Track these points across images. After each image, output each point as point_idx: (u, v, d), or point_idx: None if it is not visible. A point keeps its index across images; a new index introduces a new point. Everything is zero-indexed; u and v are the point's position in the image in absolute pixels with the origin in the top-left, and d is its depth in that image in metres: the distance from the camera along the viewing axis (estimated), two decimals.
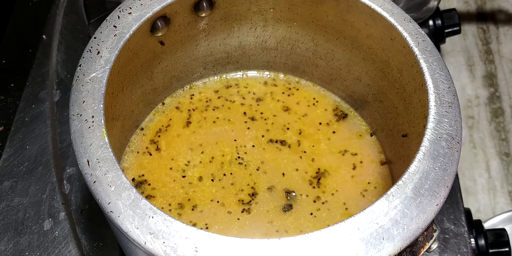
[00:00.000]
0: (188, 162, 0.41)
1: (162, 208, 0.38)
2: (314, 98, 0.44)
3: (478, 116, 0.68)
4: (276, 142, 0.42)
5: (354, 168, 0.40)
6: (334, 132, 0.42)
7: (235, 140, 0.42)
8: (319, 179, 0.40)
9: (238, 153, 0.41)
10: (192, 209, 0.38)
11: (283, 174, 0.40)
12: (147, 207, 0.27)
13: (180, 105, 0.43)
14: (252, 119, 0.43)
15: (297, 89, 0.44)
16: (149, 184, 0.39)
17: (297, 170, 0.40)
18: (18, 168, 0.45)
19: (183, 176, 0.40)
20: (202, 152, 0.41)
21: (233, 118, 0.43)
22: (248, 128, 0.42)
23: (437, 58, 0.33)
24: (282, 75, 0.45)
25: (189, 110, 0.43)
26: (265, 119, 0.43)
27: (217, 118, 0.43)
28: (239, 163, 0.41)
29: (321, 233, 0.27)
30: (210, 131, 0.42)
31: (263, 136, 0.42)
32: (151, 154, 0.41)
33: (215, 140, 0.42)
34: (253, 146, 0.41)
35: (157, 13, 0.35)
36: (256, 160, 0.41)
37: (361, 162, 0.41)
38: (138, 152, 0.41)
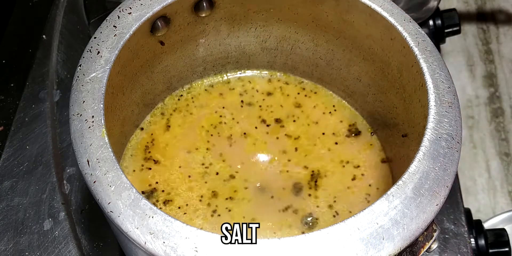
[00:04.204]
0: (203, 164, 0.41)
1: (184, 206, 0.39)
2: (333, 106, 0.44)
3: (478, 116, 0.68)
4: (277, 121, 0.42)
5: (353, 179, 0.40)
6: (336, 143, 0.42)
7: (224, 123, 0.42)
8: (315, 181, 0.40)
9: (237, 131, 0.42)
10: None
11: (284, 151, 0.41)
12: (147, 207, 0.27)
13: (165, 111, 0.43)
14: (249, 105, 0.43)
15: (315, 93, 0.44)
16: (163, 190, 0.39)
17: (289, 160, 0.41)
18: (18, 168, 0.45)
19: (217, 173, 0.40)
20: (208, 149, 0.41)
21: (219, 110, 0.43)
22: (242, 106, 0.43)
23: (437, 58, 0.33)
24: (282, 75, 0.45)
25: (170, 114, 0.43)
26: (267, 107, 0.43)
27: (191, 113, 0.43)
28: (244, 133, 0.42)
29: (321, 233, 0.27)
30: (195, 129, 0.42)
31: (260, 116, 0.43)
32: (150, 169, 0.40)
33: (204, 132, 0.42)
34: (245, 133, 0.42)
35: (157, 13, 0.35)
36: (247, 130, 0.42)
37: (362, 174, 0.40)
38: (134, 171, 0.40)
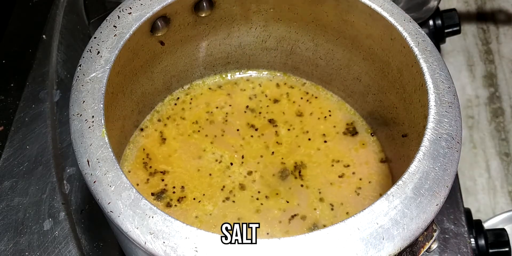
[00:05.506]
0: (219, 161, 0.41)
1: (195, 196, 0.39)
2: (329, 111, 0.43)
3: (478, 116, 0.68)
4: (270, 122, 0.43)
5: (341, 176, 0.40)
6: (325, 141, 0.42)
7: (211, 113, 0.43)
8: (300, 172, 0.40)
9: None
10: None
11: (271, 152, 0.41)
12: (147, 207, 0.27)
13: (161, 117, 0.43)
14: (252, 110, 0.43)
15: (316, 97, 0.44)
16: (174, 192, 0.39)
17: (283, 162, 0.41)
18: (18, 168, 0.45)
19: (232, 163, 0.40)
20: (212, 142, 0.41)
21: (217, 106, 0.43)
22: (246, 111, 0.43)
23: (437, 58, 0.33)
24: (281, 75, 0.45)
25: (165, 124, 0.42)
26: (267, 113, 0.43)
27: (182, 118, 0.43)
28: (251, 135, 0.42)
29: (321, 233, 0.27)
30: (193, 134, 0.42)
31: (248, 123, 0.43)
32: (163, 180, 0.40)
33: (206, 132, 0.42)
34: (238, 130, 0.42)
35: (157, 13, 0.35)
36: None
37: (353, 173, 0.41)
38: (138, 185, 0.40)
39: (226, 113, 0.43)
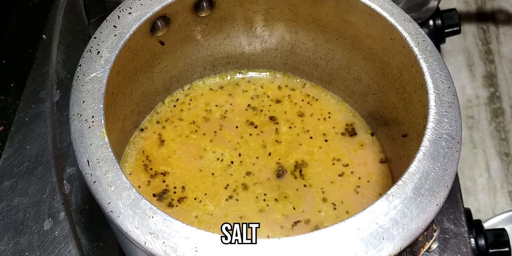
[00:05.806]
0: (220, 159, 0.41)
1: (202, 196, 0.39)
2: (329, 112, 0.43)
3: (478, 116, 0.68)
4: (271, 119, 0.43)
5: (341, 174, 0.40)
6: (326, 140, 0.42)
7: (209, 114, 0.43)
8: (300, 171, 0.40)
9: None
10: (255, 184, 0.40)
11: (268, 153, 0.41)
12: (147, 207, 0.27)
13: (160, 119, 0.43)
14: (254, 109, 0.43)
15: (317, 100, 0.44)
16: (175, 192, 0.39)
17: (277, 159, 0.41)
18: (18, 168, 0.45)
19: (232, 162, 0.40)
20: (212, 140, 0.41)
21: (216, 106, 0.43)
22: (247, 109, 0.43)
23: (437, 58, 0.33)
24: (281, 75, 0.45)
25: (163, 127, 0.42)
26: (269, 112, 0.43)
27: (180, 119, 0.43)
28: (250, 134, 0.42)
29: (321, 233, 0.27)
30: (192, 135, 0.42)
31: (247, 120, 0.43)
32: (164, 181, 0.40)
33: (203, 131, 0.42)
34: (237, 127, 0.42)
35: (157, 13, 0.35)
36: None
37: (352, 172, 0.41)
38: (139, 187, 0.39)
39: (226, 111, 0.43)
